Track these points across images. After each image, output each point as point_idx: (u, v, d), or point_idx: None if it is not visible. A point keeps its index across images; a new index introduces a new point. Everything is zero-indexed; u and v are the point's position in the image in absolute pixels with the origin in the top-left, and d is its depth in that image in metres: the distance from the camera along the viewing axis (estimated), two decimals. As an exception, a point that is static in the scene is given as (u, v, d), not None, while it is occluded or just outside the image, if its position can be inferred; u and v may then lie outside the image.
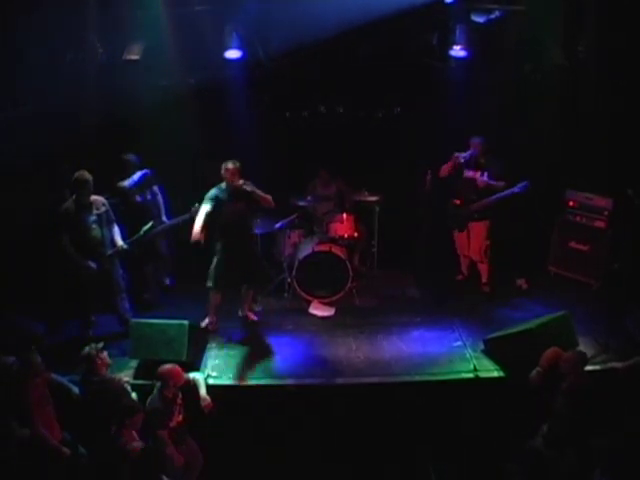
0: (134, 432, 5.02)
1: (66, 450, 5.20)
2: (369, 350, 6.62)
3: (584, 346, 6.12)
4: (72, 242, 6.41)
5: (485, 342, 6.48)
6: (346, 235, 7.72)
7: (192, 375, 5.67)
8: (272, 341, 6.78)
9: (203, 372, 6.10)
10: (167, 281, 7.79)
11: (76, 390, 5.49)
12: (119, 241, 6.60)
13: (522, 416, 5.54)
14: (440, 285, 7.85)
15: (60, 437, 5.27)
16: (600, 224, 7.66)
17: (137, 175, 7.12)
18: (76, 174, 6.39)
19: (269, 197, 6.59)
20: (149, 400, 5.36)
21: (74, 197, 6.46)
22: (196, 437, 5.61)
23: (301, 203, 7.95)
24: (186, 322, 6.18)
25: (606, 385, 5.50)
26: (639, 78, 7.20)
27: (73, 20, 6.89)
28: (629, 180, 6.56)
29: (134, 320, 6.38)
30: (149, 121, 7.61)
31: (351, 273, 7.46)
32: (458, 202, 7.51)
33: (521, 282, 7.78)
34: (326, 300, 7.51)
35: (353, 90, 8.50)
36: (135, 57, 7.25)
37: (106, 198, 6.68)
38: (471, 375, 6.15)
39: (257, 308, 7.43)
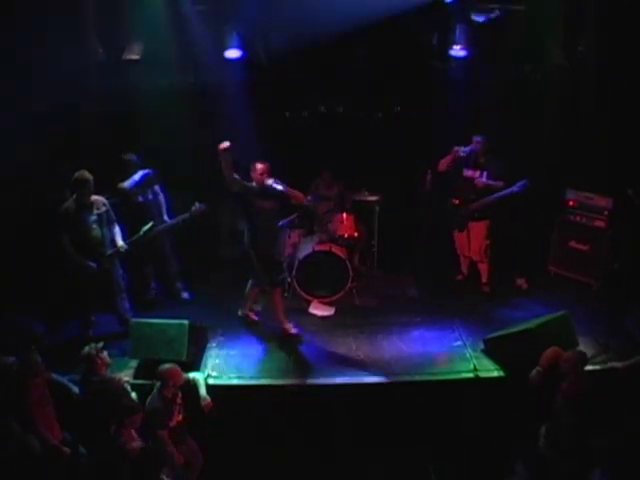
0: (134, 432, 5.03)
1: (66, 450, 5.20)
2: (369, 350, 6.62)
3: (584, 346, 6.12)
4: (72, 242, 6.41)
5: (485, 342, 6.48)
6: (346, 235, 7.72)
7: (192, 375, 5.67)
8: (272, 341, 6.78)
9: (203, 372, 6.10)
10: (185, 295, 7.59)
11: (76, 390, 5.49)
12: (119, 241, 6.60)
13: (522, 416, 5.54)
14: (440, 285, 7.85)
15: (60, 437, 5.27)
16: (600, 224, 7.65)
17: (138, 175, 7.11)
18: (76, 174, 6.39)
19: (300, 194, 6.59)
20: (149, 400, 5.36)
21: (74, 197, 6.46)
22: (196, 437, 5.61)
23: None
24: (186, 322, 6.17)
25: (606, 385, 5.50)
26: (639, 78, 7.21)
27: (73, 20, 6.89)
28: (629, 180, 6.57)
29: (134, 320, 6.38)
30: (149, 121, 7.61)
31: (351, 273, 7.46)
32: (457, 202, 7.51)
33: (521, 282, 7.77)
34: (326, 300, 7.50)
35: (353, 90, 8.50)
36: (135, 57, 7.26)
37: (107, 198, 6.68)
38: (471, 375, 6.14)
39: (257, 308, 7.43)
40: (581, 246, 7.77)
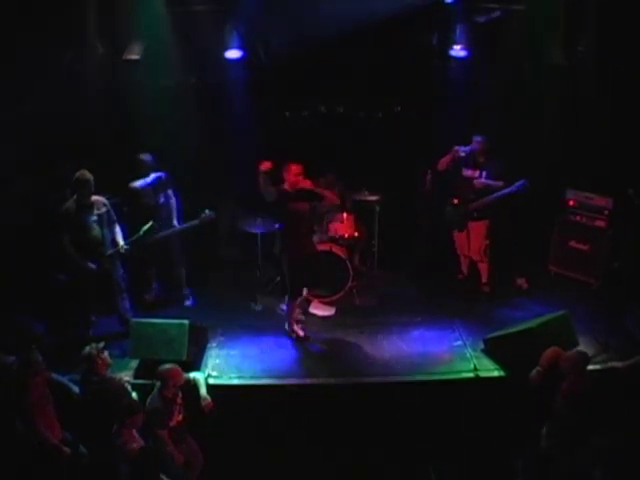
0: (134, 432, 5.03)
1: (66, 450, 5.20)
2: (369, 350, 6.62)
3: (584, 345, 6.12)
4: (72, 242, 6.41)
5: (485, 342, 6.48)
6: (346, 235, 7.72)
7: (192, 375, 5.67)
8: (272, 341, 6.77)
9: (203, 372, 6.09)
10: (188, 302, 7.51)
11: (76, 390, 5.49)
12: (120, 241, 6.60)
13: (522, 416, 5.54)
14: (440, 285, 7.85)
15: (61, 437, 5.27)
16: (600, 224, 7.66)
17: (150, 177, 7.07)
18: (77, 174, 6.39)
19: (333, 195, 6.56)
20: (149, 399, 5.36)
21: (75, 197, 6.46)
22: (196, 437, 5.61)
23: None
24: (186, 322, 6.17)
25: (606, 385, 5.50)
26: (639, 78, 7.21)
27: (73, 20, 6.90)
28: (629, 180, 6.57)
29: (134, 320, 6.38)
30: (149, 121, 7.61)
31: (351, 273, 7.46)
32: (457, 202, 7.51)
33: (521, 282, 7.77)
34: (326, 300, 7.50)
35: (353, 90, 8.50)
36: (135, 57, 7.26)
37: (107, 198, 6.68)
38: (471, 375, 6.14)
39: (257, 308, 7.44)
40: (581, 246, 7.77)
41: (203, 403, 5.51)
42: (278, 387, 6.07)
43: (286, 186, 6.42)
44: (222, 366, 6.32)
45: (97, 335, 6.44)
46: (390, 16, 7.17)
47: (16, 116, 6.86)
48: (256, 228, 7.61)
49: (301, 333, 6.78)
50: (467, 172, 7.38)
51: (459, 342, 6.67)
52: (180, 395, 5.43)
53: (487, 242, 7.48)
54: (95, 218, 6.49)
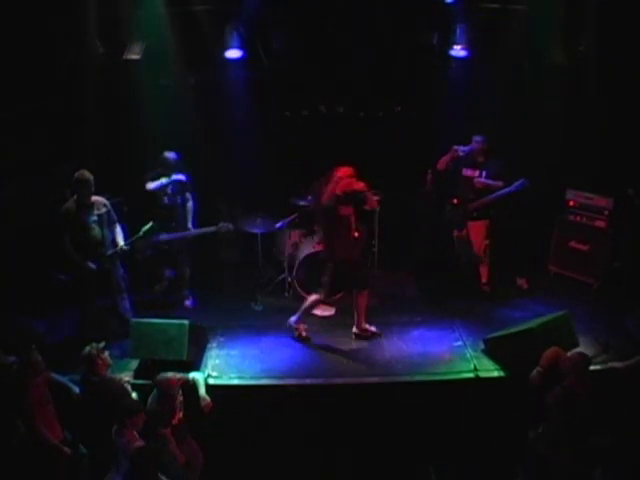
0: (134, 432, 5.03)
1: (67, 450, 5.20)
2: (369, 350, 6.62)
3: (584, 345, 6.12)
4: (72, 242, 6.41)
5: (485, 342, 6.48)
6: (346, 235, 7.70)
7: (192, 375, 5.66)
8: (272, 341, 6.78)
9: (203, 372, 6.09)
10: (188, 302, 7.53)
11: (76, 390, 5.49)
12: (120, 241, 6.59)
13: (522, 416, 5.53)
14: (440, 285, 7.85)
15: (61, 437, 5.27)
16: (600, 224, 7.66)
17: (166, 180, 7.07)
18: (76, 174, 6.38)
19: (375, 200, 6.58)
20: (150, 399, 5.36)
21: (75, 197, 6.46)
22: (196, 437, 5.60)
23: (301, 203, 7.95)
24: (186, 322, 6.17)
25: (606, 385, 5.50)
26: (639, 78, 7.20)
27: (73, 20, 6.90)
28: (629, 180, 6.56)
29: (134, 320, 6.37)
30: (149, 121, 7.61)
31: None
32: (456, 201, 7.51)
33: (521, 282, 7.78)
34: (326, 300, 7.49)
35: (353, 90, 8.50)
36: (135, 57, 7.26)
37: (107, 198, 6.68)
38: (471, 375, 6.14)
39: (257, 308, 7.43)
40: (581, 246, 7.77)
41: (203, 403, 5.51)
42: (278, 387, 6.06)
43: (337, 190, 6.36)
44: (222, 366, 6.32)
45: (96, 335, 6.43)
46: (391, 16, 7.18)
47: (16, 116, 6.86)
48: (256, 228, 7.61)
49: (304, 333, 6.78)
50: (467, 172, 7.38)
51: (459, 342, 6.67)
52: (180, 392, 5.43)
53: (487, 242, 7.48)
54: (95, 218, 6.48)
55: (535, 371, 5.49)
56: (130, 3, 7.00)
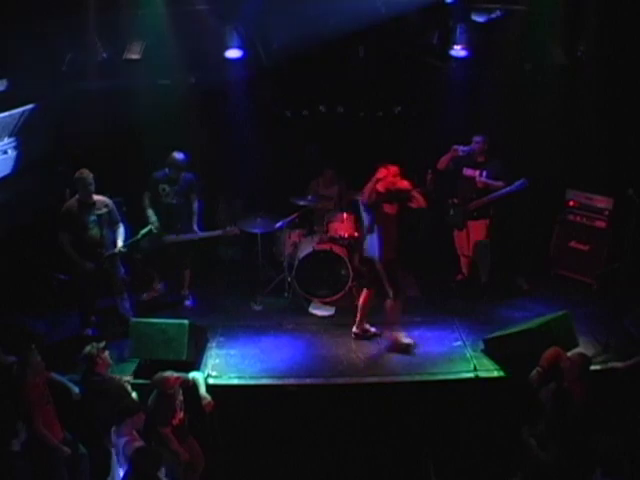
0: (134, 432, 5.03)
1: (66, 449, 5.20)
2: (369, 350, 6.62)
3: (584, 346, 6.13)
4: (71, 241, 6.41)
5: (485, 342, 6.48)
6: (346, 235, 7.71)
7: (192, 374, 5.67)
8: (272, 341, 6.78)
9: (203, 372, 6.09)
10: (188, 302, 7.53)
11: (76, 389, 5.49)
12: (120, 242, 6.59)
13: (522, 416, 5.53)
14: (440, 285, 7.84)
15: (61, 436, 5.27)
16: (600, 224, 7.67)
17: (169, 170, 7.09)
18: (77, 173, 6.39)
19: (422, 198, 6.52)
20: (150, 399, 5.36)
21: (76, 196, 6.46)
22: (196, 437, 5.61)
23: (301, 202, 7.94)
24: (186, 322, 6.17)
25: (606, 385, 5.49)
26: (639, 78, 7.20)
27: (73, 20, 6.89)
28: (629, 180, 6.56)
29: (134, 320, 6.38)
30: (149, 121, 7.61)
31: (351, 273, 7.45)
32: (456, 201, 7.51)
33: (521, 282, 7.77)
34: (326, 300, 7.50)
35: (353, 90, 8.49)
36: (136, 56, 7.25)
37: (108, 197, 6.68)
38: (471, 375, 6.14)
39: (257, 308, 7.43)
40: (581, 246, 7.78)
41: (203, 402, 5.52)
42: (278, 387, 6.07)
43: (379, 187, 6.35)
44: (222, 366, 6.32)
45: (97, 335, 6.44)
46: (391, 16, 7.16)
47: (16, 115, 6.85)
48: (256, 228, 7.61)
49: (372, 329, 6.75)
50: (467, 172, 7.38)
51: (459, 342, 6.67)
52: (180, 392, 5.43)
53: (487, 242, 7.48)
54: (94, 218, 6.49)
55: (535, 371, 5.48)
56: (130, 3, 6.99)
